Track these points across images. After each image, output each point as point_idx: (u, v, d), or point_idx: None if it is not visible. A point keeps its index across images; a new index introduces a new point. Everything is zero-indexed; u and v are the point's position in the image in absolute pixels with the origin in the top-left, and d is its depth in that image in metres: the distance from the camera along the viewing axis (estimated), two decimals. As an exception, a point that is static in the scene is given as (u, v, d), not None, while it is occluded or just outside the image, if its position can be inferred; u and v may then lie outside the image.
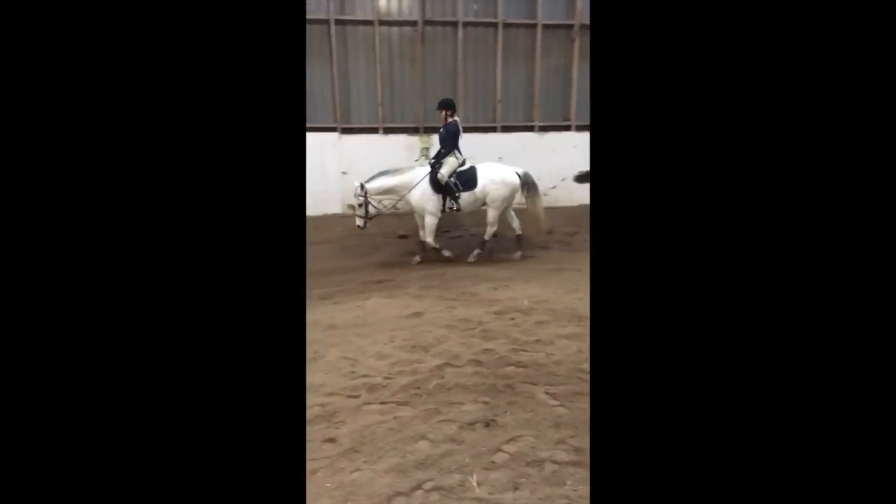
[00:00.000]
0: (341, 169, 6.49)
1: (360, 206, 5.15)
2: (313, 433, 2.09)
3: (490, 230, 5.30)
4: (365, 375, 2.60)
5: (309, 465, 1.88)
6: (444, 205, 5.18)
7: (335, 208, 6.61)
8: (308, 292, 4.21)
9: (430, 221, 5.22)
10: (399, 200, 5.20)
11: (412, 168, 5.36)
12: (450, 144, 5.17)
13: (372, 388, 2.47)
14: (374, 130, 6.85)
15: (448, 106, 5.30)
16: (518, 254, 5.40)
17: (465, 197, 5.17)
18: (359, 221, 5.21)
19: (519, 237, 5.47)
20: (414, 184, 5.15)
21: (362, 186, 5.11)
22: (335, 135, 6.69)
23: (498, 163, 5.50)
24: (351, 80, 6.74)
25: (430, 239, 5.26)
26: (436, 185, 5.13)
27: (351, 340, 3.08)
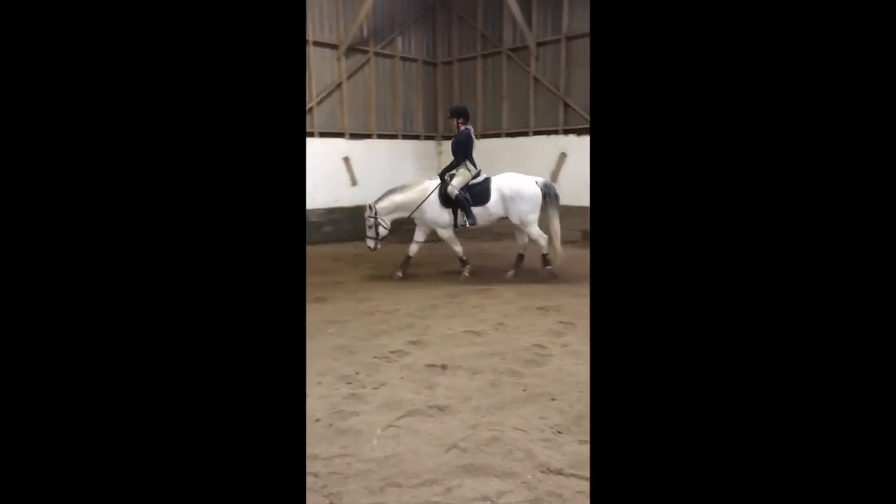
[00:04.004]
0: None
1: (370, 227, 4.96)
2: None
3: (542, 244, 4.91)
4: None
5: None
6: (455, 219, 4.86)
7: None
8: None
9: (445, 234, 4.98)
10: (410, 213, 4.97)
11: (421, 182, 5.09)
12: (462, 155, 4.82)
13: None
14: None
15: (460, 114, 4.92)
16: (510, 273, 5.02)
17: (477, 211, 4.81)
18: (370, 243, 5.02)
19: (520, 257, 5.08)
20: (423, 198, 4.87)
21: (371, 207, 4.93)
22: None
23: (518, 174, 5.02)
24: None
25: (458, 249, 5.04)
26: (444, 198, 4.81)
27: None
